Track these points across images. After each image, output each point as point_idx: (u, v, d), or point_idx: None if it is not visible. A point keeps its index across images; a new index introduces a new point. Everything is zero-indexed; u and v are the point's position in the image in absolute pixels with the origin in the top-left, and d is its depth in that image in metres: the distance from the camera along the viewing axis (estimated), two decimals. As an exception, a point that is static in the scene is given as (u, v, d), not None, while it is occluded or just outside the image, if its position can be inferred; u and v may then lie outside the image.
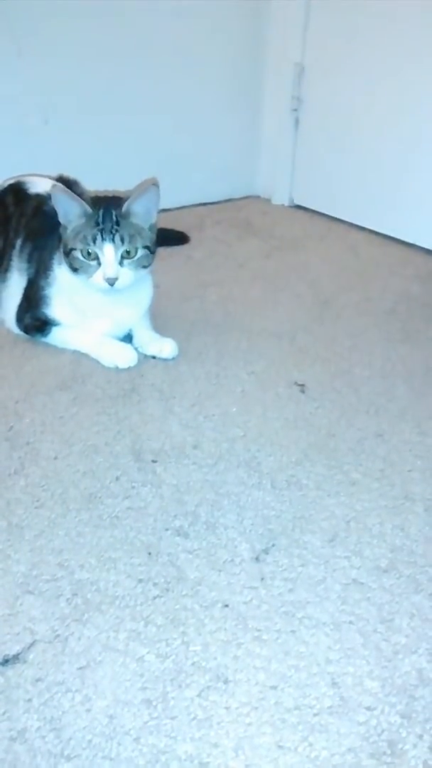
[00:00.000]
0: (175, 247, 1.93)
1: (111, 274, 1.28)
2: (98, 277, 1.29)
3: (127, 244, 1.28)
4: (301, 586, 0.92)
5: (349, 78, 2.13)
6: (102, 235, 1.27)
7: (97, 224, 1.27)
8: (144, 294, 1.42)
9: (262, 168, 2.42)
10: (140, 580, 0.91)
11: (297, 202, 2.38)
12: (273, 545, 0.98)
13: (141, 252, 1.31)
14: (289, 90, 2.26)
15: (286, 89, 2.27)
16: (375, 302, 1.74)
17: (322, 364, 1.45)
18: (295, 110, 2.29)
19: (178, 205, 2.19)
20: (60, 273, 1.36)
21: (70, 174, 1.53)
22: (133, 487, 1.07)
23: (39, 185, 1.49)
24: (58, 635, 0.83)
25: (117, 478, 1.08)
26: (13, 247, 1.46)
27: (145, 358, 1.41)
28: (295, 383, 1.37)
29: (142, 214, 1.31)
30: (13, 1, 1.81)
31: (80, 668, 0.80)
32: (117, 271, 1.28)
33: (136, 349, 1.41)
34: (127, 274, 1.30)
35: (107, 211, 1.28)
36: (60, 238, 1.32)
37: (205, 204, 2.30)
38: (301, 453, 1.17)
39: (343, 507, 1.06)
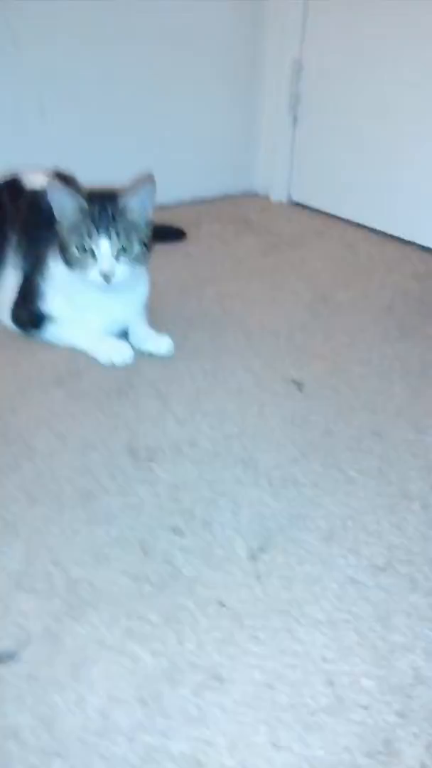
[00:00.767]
0: (172, 243, 1.92)
1: (107, 270, 1.27)
2: (94, 272, 1.28)
3: (123, 240, 1.28)
4: (298, 584, 0.91)
5: (347, 75, 2.12)
6: (98, 230, 1.26)
7: (93, 219, 1.26)
8: (140, 290, 1.41)
9: (261, 165, 2.41)
10: (135, 578, 0.90)
11: (295, 199, 2.37)
12: (269, 543, 0.97)
13: (137, 248, 1.30)
14: (288, 87, 2.25)
15: (284, 86, 2.26)
16: (372, 299, 1.73)
17: (319, 362, 1.44)
18: (294, 107, 2.28)
19: (175, 201, 2.17)
20: (56, 268, 1.35)
21: (66, 166, 1.52)
22: (129, 485, 1.06)
23: (35, 181, 1.48)
24: (52, 633, 0.83)
25: (112, 476, 1.08)
26: (9, 242, 1.45)
27: (141, 355, 1.40)
28: (293, 381, 1.36)
29: (138, 209, 1.30)
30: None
31: (74, 666, 0.79)
32: (113, 266, 1.28)
33: (132, 345, 1.40)
34: (122, 269, 1.29)
35: (103, 206, 1.27)
36: (56, 234, 1.31)
37: (202, 200, 2.29)
38: (297, 451, 1.17)
39: (340, 505, 1.05)
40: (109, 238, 1.26)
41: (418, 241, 2.02)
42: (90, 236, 1.26)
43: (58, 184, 1.28)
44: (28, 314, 1.41)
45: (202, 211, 2.22)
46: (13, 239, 1.45)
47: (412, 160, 2.01)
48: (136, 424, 1.21)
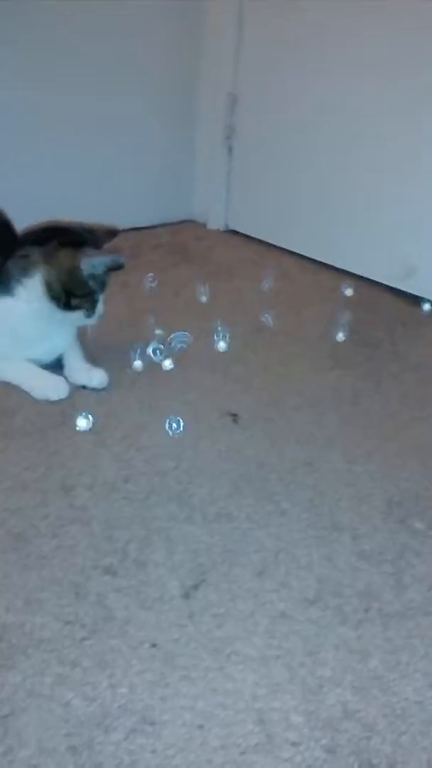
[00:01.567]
0: (110, 273, 1.92)
1: (102, 313, 1.42)
2: (94, 316, 1.41)
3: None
4: (230, 621, 0.93)
5: (281, 107, 2.17)
6: (103, 284, 1.40)
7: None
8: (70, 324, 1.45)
9: (198, 193, 2.45)
10: (68, 622, 0.90)
11: (232, 227, 2.41)
12: (202, 580, 0.98)
13: None
14: (222, 119, 2.30)
15: (219, 118, 2.30)
16: (307, 329, 1.77)
17: (254, 393, 1.47)
18: (229, 138, 2.32)
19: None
20: (2, 304, 1.35)
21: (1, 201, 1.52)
22: (62, 525, 1.06)
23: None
24: (-19, 683, 0.82)
25: (46, 516, 1.07)
26: None
27: (76, 389, 1.40)
28: (228, 413, 1.38)
29: None
30: None
31: (3, 717, 0.78)
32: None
33: (66, 378, 1.40)
34: None
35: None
36: None
37: (141, 228, 2.31)
38: (231, 484, 1.19)
39: (272, 538, 1.07)
40: (104, 289, 1.41)
41: (351, 270, 2.08)
42: (100, 290, 1.39)
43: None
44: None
45: (141, 239, 2.24)
46: None
47: (345, 190, 2.07)
48: (71, 461, 1.21)
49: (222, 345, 1.62)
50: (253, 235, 2.33)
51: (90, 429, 1.28)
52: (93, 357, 1.48)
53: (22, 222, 1.47)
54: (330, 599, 0.97)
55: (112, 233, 1.44)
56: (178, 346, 1.57)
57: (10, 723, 0.78)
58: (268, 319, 1.75)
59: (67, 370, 1.43)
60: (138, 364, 1.51)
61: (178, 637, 0.90)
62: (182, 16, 2.24)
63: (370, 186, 2.00)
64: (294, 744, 0.78)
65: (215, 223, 2.42)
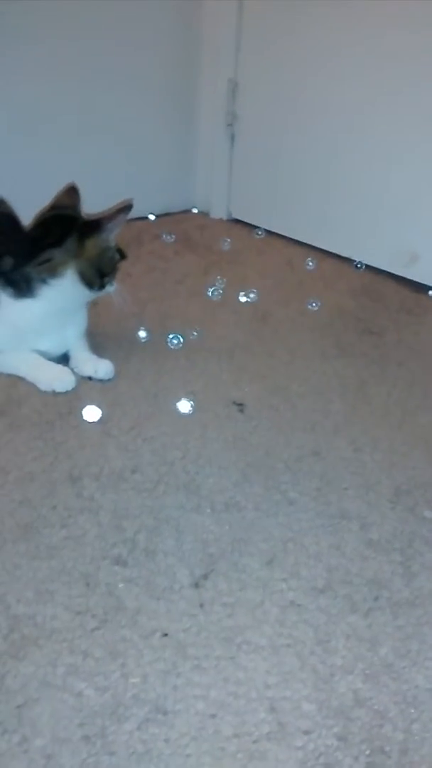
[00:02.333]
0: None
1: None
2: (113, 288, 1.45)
3: None
4: (240, 610, 0.93)
5: (282, 93, 2.16)
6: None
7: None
8: (84, 312, 1.46)
9: (200, 182, 2.44)
10: (78, 612, 0.90)
11: (235, 215, 2.40)
12: (212, 570, 0.99)
13: None
14: (224, 105, 2.28)
15: (220, 105, 2.29)
16: (311, 317, 1.77)
17: (260, 382, 1.46)
18: (231, 125, 2.31)
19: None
20: (5, 299, 1.35)
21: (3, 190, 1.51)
22: (71, 516, 1.06)
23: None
24: (-6, 674, 0.82)
25: (54, 507, 1.07)
26: None
27: (82, 380, 1.40)
28: (234, 402, 1.38)
29: None
30: None
31: (17, 707, 0.79)
32: None
33: (72, 370, 1.40)
34: None
35: None
36: None
37: (143, 218, 2.30)
38: (239, 473, 1.19)
39: (281, 528, 1.07)
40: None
41: (355, 258, 2.07)
42: (116, 254, 1.43)
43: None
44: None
45: (143, 229, 2.23)
46: None
47: (348, 178, 2.06)
48: (78, 452, 1.20)
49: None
50: (256, 224, 2.31)
51: (98, 420, 1.28)
52: (98, 348, 1.47)
53: (23, 212, 1.46)
54: (339, 588, 0.97)
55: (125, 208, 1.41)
56: (174, 342, 1.56)
57: (24, 713, 0.78)
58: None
59: (73, 362, 1.42)
60: (143, 333, 1.59)
61: (189, 626, 0.90)
62: (182, 2, 2.22)
63: (374, 173, 1.99)
64: (306, 732, 0.78)
65: (218, 212, 2.41)
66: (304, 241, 2.20)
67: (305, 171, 2.16)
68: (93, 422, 1.28)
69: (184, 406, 1.32)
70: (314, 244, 2.17)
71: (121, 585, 0.95)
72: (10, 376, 1.39)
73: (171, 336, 1.56)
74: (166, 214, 2.38)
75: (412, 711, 0.81)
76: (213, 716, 0.79)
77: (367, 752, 0.77)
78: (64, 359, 1.43)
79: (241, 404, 1.38)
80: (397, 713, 0.81)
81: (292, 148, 2.18)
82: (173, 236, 2.18)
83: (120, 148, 2.21)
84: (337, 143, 2.06)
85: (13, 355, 1.38)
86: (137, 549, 1.01)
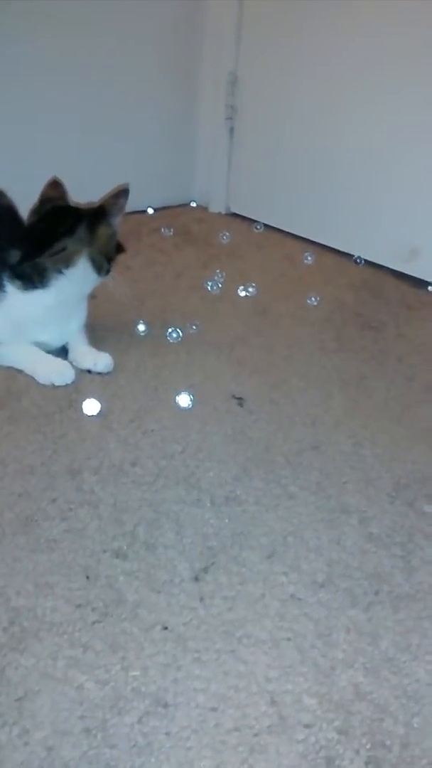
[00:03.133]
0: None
1: None
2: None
3: None
4: (240, 604, 0.93)
5: (281, 87, 2.15)
6: None
7: None
8: (86, 304, 1.47)
9: (199, 176, 2.43)
10: (78, 605, 0.90)
11: (233, 210, 2.40)
12: (212, 563, 0.98)
13: None
14: (224, 99, 2.27)
15: (220, 98, 2.28)
16: (311, 311, 1.77)
17: (259, 376, 1.46)
18: (230, 119, 2.30)
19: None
20: (12, 291, 1.35)
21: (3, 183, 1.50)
22: (71, 509, 1.06)
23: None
24: (-6, 666, 0.82)
25: (53, 500, 1.07)
26: None
27: (81, 373, 1.40)
28: (233, 396, 1.38)
29: None
30: None
31: (18, 699, 0.79)
32: None
33: (71, 363, 1.39)
34: None
35: None
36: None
37: (142, 212, 2.29)
38: (239, 467, 1.18)
39: (281, 521, 1.07)
40: None
41: (355, 253, 2.07)
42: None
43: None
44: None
45: (141, 222, 2.22)
46: None
47: (347, 173, 2.05)
48: (78, 445, 1.20)
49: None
50: (255, 218, 2.31)
51: (98, 413, 1.28)
52: (97, 341, 1.47)
53: (22, 206, 1.46)
54: (340, 582, 0.97)
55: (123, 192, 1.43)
56: (174, 335, 1.56)
57: (25, 705, 0.78)
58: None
59: (72, 355, 1.42)
60: (142, 327, 1.59)
61: (189, 619, 0.90)
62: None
63: (374, 168, 1.99)
64: (307, 726, 0.78)
65: (217, 206, 2.41)
66: (304, 235, 2.19)
67: (305, 165, 2.15)
68: (92, 415, 1.27)
69: (184, 399, 1.32)
70: (313, 238, 2.17)
71: (121, 578, 0.95)
72: (9, 368, 1.39)
73: (170, 330, 1.55)
74: (165, 208, 2.37)
75: (413, 705, 0.81)
76: (214, 709, 0.79)
77: (368, 746, 0.76)
78: (62, 352, 1.43)
79: (240, 398, 1.37)
80: (398, 707, 0.81)
81: (291, 142, 2.17)
82: (172, 230, 2.18)
83: (119, 141, 2.20)
84: (337, 137, 2.05)
85: (12, 348, 1.38)
86: (137, 542, 1.01)
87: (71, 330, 1.44)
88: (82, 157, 2.09)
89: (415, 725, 0.79)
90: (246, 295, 1.80)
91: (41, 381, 1.35)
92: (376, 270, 2.01)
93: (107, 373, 1.40)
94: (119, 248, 1.45)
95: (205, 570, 0.97)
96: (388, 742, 0.77)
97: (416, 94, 1.85)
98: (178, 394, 1.33)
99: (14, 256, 1.35)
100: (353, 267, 2.04)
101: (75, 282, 1.38)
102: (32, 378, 1.36)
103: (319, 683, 0.83)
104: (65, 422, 1.26)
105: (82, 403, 1.28)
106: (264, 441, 1.26)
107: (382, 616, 0.92)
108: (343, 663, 0.86)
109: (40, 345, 1.40)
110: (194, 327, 1.60)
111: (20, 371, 1.38)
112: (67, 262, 1.36)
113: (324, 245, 2.14)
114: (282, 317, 1.72)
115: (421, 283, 1.94)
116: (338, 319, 1.73)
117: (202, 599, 0.93)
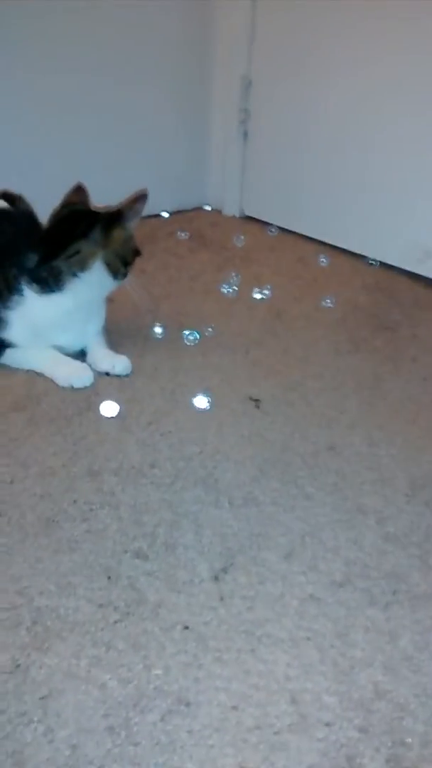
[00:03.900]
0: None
1: None
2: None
3: None
4: (260, 603, 0.94)
5: (295, 90, 2.16)
6: None
7: None
8: (103, 307, 1.49)
9: (213, 179, 2.44)
10: (100, 605, 0.92)
11: (247, 213, 2.41)
12: (231, 564, 1.00)
13: None
14: (237, 103, 2.29)
15: (234, 102, 2.29)
16: (325, 313, 1.77)
17: (275, 377, 1.47)
18: (243, 122, 2.31)
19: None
20: (30, 295, 1.37)
21: (17, 186, 1.52)
22: (91, 510, 1.07)
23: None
24: (18, 665, 0.83)
25: (74, 501, 1.09)
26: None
27: (99, 376, 1.41)
28: (250, 398, 1.39)
29: None
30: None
31: (42, 698, 0.80)
32: None
33: (89, 366, 1.41)
34: None
35: None
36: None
37: (156, 216, 2.31)
38: (256, 469, 1.19)
39: (298, 522, 1.08)
40: None
41: (368, 255, 2.07)
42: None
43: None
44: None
45: (156, 226, 2.24)
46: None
47: (361, 174, 2.06)
48: (97, 447, 1.22)
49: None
50: (269, 221, 2.32)
51: (116, 415, 1.29)
52: (114, 344, 1.48)
53: (38, 209, 1.47)
54: (358, 581, 0.98)
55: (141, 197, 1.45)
56: (191, 338, 1.57)
57: (49, 704, 0.79)
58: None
59: (90, 357, 1.43)
60: (158, 330, 1.60)
61: (209, 619, 0.91)
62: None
63: (387, 170, 1.99)
64: (327, 724, 0.79)
65: (230, 210, 2.42)
66: (317, 238, 2.20)
67: (318, 168, 2.16)
68: (111, 417, 1.29)
69: (201, 401, 1.33)
70: (327, 241, 2.17)
71: (142, 578, 0.96)
72: (28, 372, 1.40)
73: (187, 332, 1.57)
74: (179, 212, 2.38)
75: (433, 703, 0.82)
76: (235, 708, 0.80)
77: (389, 744, 0.77)
78: (80, 355, 1.45)
79: (257, 400, 1.38)
80: (418, 705, 0.82)
81: (304, 145, 2.18)
82: (187, 233, 2.19)
83: (133, 145, 2.22)
84: (350, 140, 2.06)
85: (31, 351, 1.40)
86: (157, 543, 1.02)
87: (89, 333, 1.45)
88: (96, 161, 2.11)
89: (435, 723, 0.80)
90: (261, 298, 1.81)
91: (60, 384, 1.37)
92: (390, 272, 2.02)
93: (125, 376, 1.42)
94: (136, 253, 1.47)
95: (225, 570, 0.98)
96: (408, 740, 0.78)
97: (429, 96, 1.85)
98: (195, 396, 1.35)
99: (32, 260, 1.37)
100: (367, 269, 2.04)
101: (91, 286, 1.40)
102: (51, 381, 1.38)
103: (339, 682, 0.84)
104: (84, 424, 1.27)
105: (100, 406, 1.30)
106: (280, 442, 1.27)
107: (400, 615, 0.93)
108: (362, 662, 0.86)
109: (59, 348, 1.42)
110: (210, 330, 1.61)
111: (40, 374, 1.40)
112: (82, 266, 1.37)
113: (338, 247, 2.15)
114: (297, 319, 1.73)
115: (436, 284, 1.94)
116: (353, 321, 1.74)
117: (222, 599, 0.94)
